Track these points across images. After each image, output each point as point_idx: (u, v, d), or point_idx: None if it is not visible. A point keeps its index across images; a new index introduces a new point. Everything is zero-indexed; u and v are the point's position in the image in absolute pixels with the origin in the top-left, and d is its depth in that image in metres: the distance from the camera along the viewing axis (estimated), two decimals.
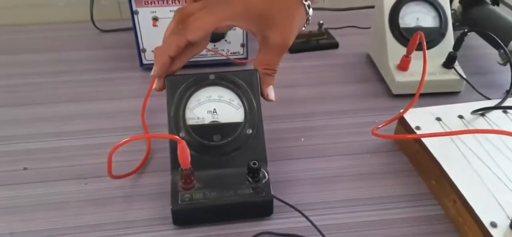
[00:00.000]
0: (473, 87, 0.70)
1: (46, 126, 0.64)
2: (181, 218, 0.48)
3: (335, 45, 0.87)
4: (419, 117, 0.57)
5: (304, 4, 0.50)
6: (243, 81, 0.52)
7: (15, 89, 0.73)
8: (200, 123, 0.50)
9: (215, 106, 0.51)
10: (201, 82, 0.51)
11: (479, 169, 0.49)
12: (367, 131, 0.60)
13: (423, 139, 0.53)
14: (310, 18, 0.52)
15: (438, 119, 0.57)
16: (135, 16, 0.72)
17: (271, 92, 0.53)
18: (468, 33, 0.70)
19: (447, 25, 0.73)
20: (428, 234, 0.49)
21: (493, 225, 0.43)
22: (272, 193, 0.49)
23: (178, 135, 0.49)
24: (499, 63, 0.72)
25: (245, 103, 0.51)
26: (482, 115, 0.58)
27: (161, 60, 0.49)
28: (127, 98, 0.71)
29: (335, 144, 0.62)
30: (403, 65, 0.70)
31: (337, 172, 0.57)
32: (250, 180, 0.48)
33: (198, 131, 0.50)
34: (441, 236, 0.48)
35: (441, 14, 0.73)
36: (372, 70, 0.79)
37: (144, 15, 0.72)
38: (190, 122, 0.50)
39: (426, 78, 0.68)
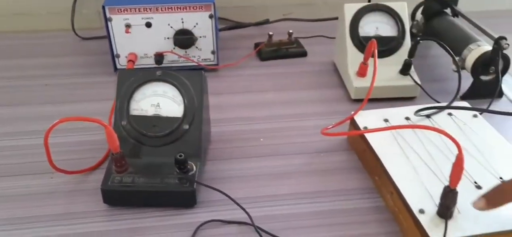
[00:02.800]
0: (426, 93, 0.74)
1: (21, 125, 0.68)
2: (109, 197, 0.52)
3: (303, 54, 0.91)
4: (369, 119, 0.61)
5: None
6: (188, 80, 0.56)
7: None
8: (142, 114, 0.54)
9: (159, 100, 0.55)
10: (149, 77, 0.55)
11: (416, 164, 0.53)
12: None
13: (368, 139, 0.57)
14: None
15: (386, 120, 0.61)
16: (109, 23, 0.76)
17: None
18: (429, 42, 0.75)
19: (405, 34, 0.78)
20: (370, 222, 0.53)
21: (421, 211, 0.47)
22: (195, 184, 0.53)
23: (121, 124, 0.53)
24: (453, 70, 0.76)
25: (186, 101, 0.55)
26: (428, 116, 0.62)
27: None
28: (100, 100, 0.74)
29: (292, 144, 0.66)
30: (361, 72, 0.74)
31: (291, 169, 0.61)
32: (178, 171, 0.52)
33: (139, 122, 0.55)
34: (381, 224, 0.52)
35: (399, 23, 0.77)
36: (336, 77, 0.83)
37: (117, 22, 0.76)
38: (133, 112, 0.55)
39: (384, 84, 0.73)
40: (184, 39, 0.78)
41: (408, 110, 0.63)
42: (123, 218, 0.52)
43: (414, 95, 0.75)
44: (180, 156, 0.51)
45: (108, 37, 0.77)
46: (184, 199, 0.53)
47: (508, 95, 0.76)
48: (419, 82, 0.74)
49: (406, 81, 0.75)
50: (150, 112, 0.55)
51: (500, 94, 0.75)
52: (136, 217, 0.53)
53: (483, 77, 0.73)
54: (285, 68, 0.87)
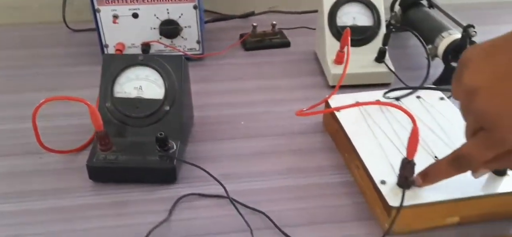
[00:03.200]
0: (399, 79, 0.77)
1: (11, 111, 0.72)
2: (95, 174, 0.56)
3: (287, 44, 0.95)
4: (341, 101, 0.65)
5: None
6: (169, 64, 0.59)
7: None
8: (126, 96, 0.58)
9: (141, 83, 0.59)
10: (132, 61, 0.59)
11: (382, 141, 0.57)
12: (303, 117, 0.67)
13: (340, 119, 0.61)
14: None
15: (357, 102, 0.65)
16: (97, 14, 0.79)
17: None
18: (408, 33, 0.79)
19: (381, 24, 0.81)
20: (340, 194, 0.57)
21: (383, 182, 0.51)
22: (175, 161, 0.56)
23: (105, 105, 0.57)
24: (425, 58, 0.80)
25: (167, 84, 0.59)
26: (398, 99, 0.66)
27: None
28: (89, 87, 0.76)
29: (272, 127, 0.69)
30: (339, 59, 0.78)
31: (270, 149, 0.64)
32: (159, 149, 0.55)
33: (123, 103, 0.58)
34: (350, 196, 0.56)
35: (375, 14, 0.81)
36: (317, 66, 0.87)
37: (105, 13, 0.79)
38: (117, 95, 0.59)
39: (360, 70, 0.77)
40: (169, 29, 0.81)
41: (379, 93, 0.66)
42: (108, 193, 0.56)
43: (388, 81, 0.78)
44: (161, 134, 0.54)
45: (96, 27, 0.81)
46: (165, 175, 0.56)
47: None
48: (393, 69, 0.78)
49: (380, 68, 0.78)
50: (133, 94, 0.59)
51: None
52: (119, 192, 0.56)
53: (454, 64, 0.77)
54: (268, 57, 0.91)
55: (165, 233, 0.51)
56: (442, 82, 0.77)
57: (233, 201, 0.53)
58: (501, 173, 0.52)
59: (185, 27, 0.83)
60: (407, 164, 0.48)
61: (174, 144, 0.57)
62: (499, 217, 0.52)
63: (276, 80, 0.83)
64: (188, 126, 0.65)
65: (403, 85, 0.76)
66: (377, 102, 0.62)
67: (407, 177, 0.49)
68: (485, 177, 0.51)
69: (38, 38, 0.97)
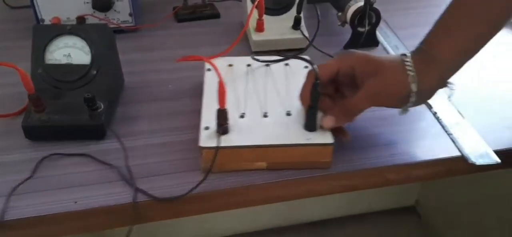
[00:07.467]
0: (312, 44, 0.86)
1: None
2: (30, 133, 0.63)
3: (217, 15, 1.02)
4: (218, 62, 0.69)
5: (410, 86, 0.55)
6: (95, 32, 0.66)
7: None
8: (56, 63, 0.64)
9: (70, 51, 0.65)
10: (60, 31, 0.65)
11: (233, 98, 0.64)
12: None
13: (205, 78, 0.69)
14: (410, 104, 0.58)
15: (230, 65, 0.73)
16: None
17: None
18: (323, 3, 0.89)
19: None
20: (191, 150, 0.63)
21: (206, 128, 0.58)
22: (103, 120, 0.63)
23: (37, 72, 0.63)
24: (338, 25, 0.90)
25: (93, 50, 0.65)
26: (267, 65, 0.74)
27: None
28: (27, 61, 0.83)
29: (193, 89, 0.77)
30: (259, 27, 0.87)
31: (180, 109, 0.72)
32: (88, 108, 0.62)
33: (54, 70, 0.65)
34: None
35: None
36: (243, 35, 0.95)
37: None
38: (48, 62, 0.65)
39: (277, 37, 0.86)
40: (102, 2, 0.87)
41: (250, 58, 0.75)
42: (42, 149, 0.62)
43: (302, 46, 0.87)
44: (88, 95, 0.61)
45: (31, 3, 0.86)
46: (93, 132, 0.64)
47: (383, 43, 0.91)
48: (307, 35, 0.87)
49: (296, 34, 0.87)
50: (63, 61, 0.65)
51: (376, 43, 0.89)
52: (53, 147, 0.63)
53: (360, 29, 0.87)
54: (199, 28, 0.98)
55: (29, 188, 0.57)
56: (351, 46, 0.87)
57: (98, 159, 0.61)
58: (310, 128, 0.58)
59: (117, 0, 0.89)
60: (220, 113, 0.56)
61: (102, 104, 0.64)
62: (306, 166, 0.59)
63: (206, 48, 0.90)
64: (116, 88, 0.72)
65: (317, 50, 0.86)
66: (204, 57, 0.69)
67: (221, 124, 0.57)
68: (294, 130, 0.59)
69: None
